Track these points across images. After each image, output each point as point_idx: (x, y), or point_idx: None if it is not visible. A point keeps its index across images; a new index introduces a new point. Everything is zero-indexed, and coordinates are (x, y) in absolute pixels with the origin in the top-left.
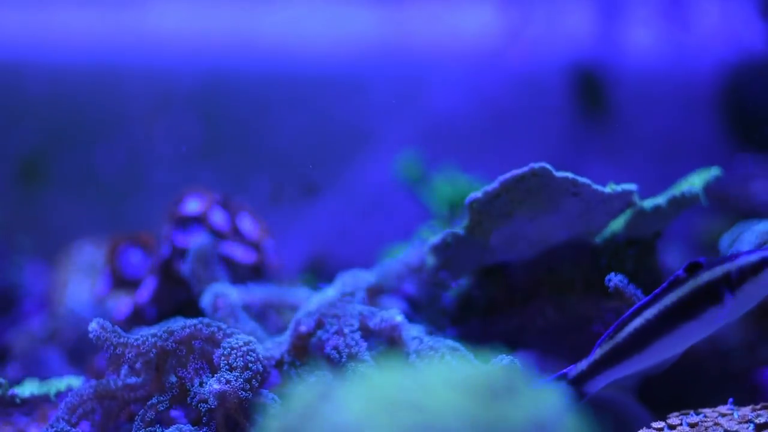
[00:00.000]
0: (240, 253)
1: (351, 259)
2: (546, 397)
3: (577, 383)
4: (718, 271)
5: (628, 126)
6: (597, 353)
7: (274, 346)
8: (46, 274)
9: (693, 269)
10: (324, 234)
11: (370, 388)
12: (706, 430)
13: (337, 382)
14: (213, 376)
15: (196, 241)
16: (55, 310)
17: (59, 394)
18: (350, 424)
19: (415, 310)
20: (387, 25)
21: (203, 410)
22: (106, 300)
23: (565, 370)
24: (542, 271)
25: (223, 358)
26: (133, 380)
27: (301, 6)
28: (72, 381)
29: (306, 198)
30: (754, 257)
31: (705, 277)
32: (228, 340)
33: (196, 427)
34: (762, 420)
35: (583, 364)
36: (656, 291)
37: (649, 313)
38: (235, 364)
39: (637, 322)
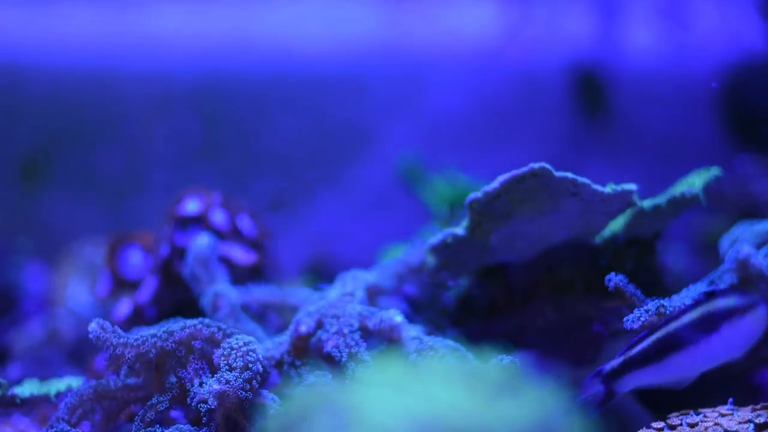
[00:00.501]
0: (240, 254)
1: (351, 259)
2: (548, 396)
3: (611, 379)
4: (713, 304)
5: (628, 126)
6: (627, 353)
7: (274, 347)
8: (46, 275)
9: (710, 296)
10: (324, 234)
11: (375, 382)
12: (706, 430)
13: (337, 382)
14: (213, 377)
15: (196, 241)
16: (55, 310)
17: (59, 395)
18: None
19: (415, 311)
20: (387, 25)
21: (203, 410)
22: (106, 300)
23: (599, 368)
24: (542, 272)
25: (222, 358)
26: (132, 380)
27: (301, 6)
28: (72, 381)
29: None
30: (731, 301)
31: (707, 307)
32: (228, 340)
33: (195, 427)
34: (762, 420)
35: (614, 362)
36: (684, 307)
37: (670, 327)
38: (234, 365)
39: (660, 333)
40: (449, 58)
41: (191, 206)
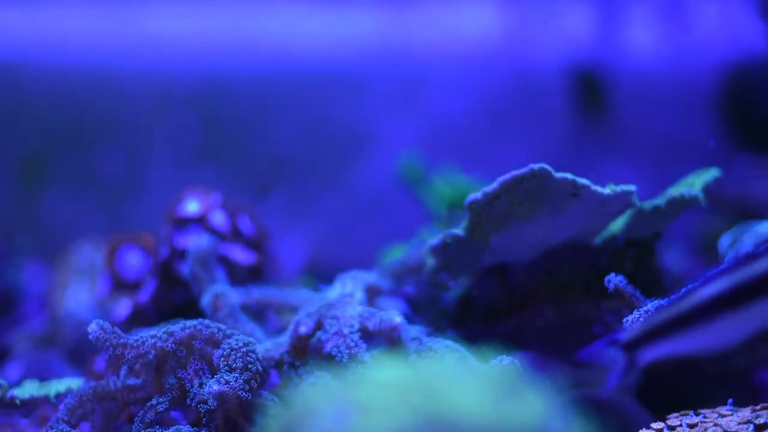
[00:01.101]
0: (240, 254)
1: (351, 259)
2: (549, 397)
3: (630, 349)
4: None
5: (628, 127)
6: (654, 318)
7: (274, 347)
8: (46, 276)
9: None
10: (324, 235)
11: (375, 383)
12: (705, 430)
13: (337, 383)
14: (212, 377)
15: (195, 242)
16: (55, 311)
17: (59, 396)
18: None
19: (415, 311)
20: (387, 26)
21: (203, 411)
22: (106, 301)
23: (614, 336)
24: (542, 272)
25: (222, 359)
26: (132, 381)
27: (301, 7)
28: (72, 382)
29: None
30: None
31: None
32: (228, 341)
33: (195, 428)
34: (761, 420)
35: (635, 330)
36: (728, 264)
37: (721, 284)
38: (234, 365)
39: (706, 291)
40: (449, 58)
41: (191, 207)
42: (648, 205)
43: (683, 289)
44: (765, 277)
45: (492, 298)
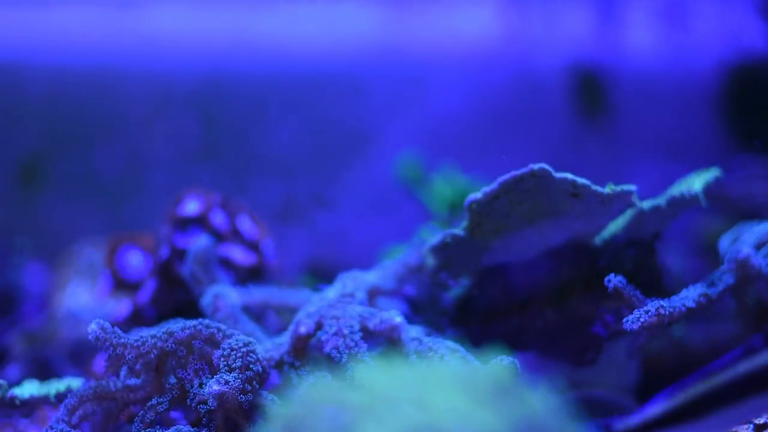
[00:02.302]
0: (240, 255)
1: (351, 260)
2: (545, 399)
3: None
4: None
5: (627, 127)
6: (652, 411)
7: (274, 347)
8: (46, 276)
9: None
10: (324, 235)
11: (372, 385)
12: None
13: (337, 383)
14: (213, 377)
15: (195, 242)
16: (55, 311)
17: (59, 396)
18: (351, 418)
19: (415, 311)
20: (387, 26)
21: (203, 411)
22: (106, 301)
23: (608, 421)
24: (542, 272)
25: (222, 359)
26: (132, 381)
27: (301, 7)
28: (72, 382)
29: (320, 207)
30: None
31: None
32: (228, 341)
33: (195, 428)
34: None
35: (633, 420)
36: (729, 356)
37: (719, 379)
38: (234, 365)
39: (705, 386)
40: (449, 58)
41: (191, 207)
42: (648, 204)
43: (678, 385)
44: (761, 372)
45: (492, 298)
